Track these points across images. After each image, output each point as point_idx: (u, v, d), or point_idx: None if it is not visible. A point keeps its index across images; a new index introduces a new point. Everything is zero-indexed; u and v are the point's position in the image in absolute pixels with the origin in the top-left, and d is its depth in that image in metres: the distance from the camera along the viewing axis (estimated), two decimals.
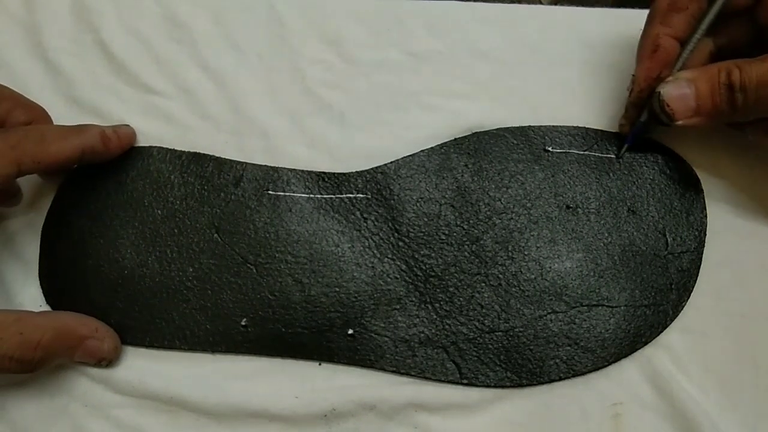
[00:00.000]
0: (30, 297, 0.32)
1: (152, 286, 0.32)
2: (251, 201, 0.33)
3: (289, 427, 0.30)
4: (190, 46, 0.36)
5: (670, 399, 0.30)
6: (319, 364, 0.31)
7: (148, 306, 0.31)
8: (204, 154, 0.34)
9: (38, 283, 0.32)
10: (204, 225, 0.33)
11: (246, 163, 0.34)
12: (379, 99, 0.36)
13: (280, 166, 0.34)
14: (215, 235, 0.32)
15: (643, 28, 0.32)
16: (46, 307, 0.32)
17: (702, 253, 0.32)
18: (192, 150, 0.34)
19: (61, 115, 0.34)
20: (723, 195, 0.33)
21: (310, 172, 0.33)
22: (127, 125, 0.34)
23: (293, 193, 0.33)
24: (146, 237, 0.32)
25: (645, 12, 0.34)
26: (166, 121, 0.35)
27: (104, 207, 0.33)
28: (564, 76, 0.36)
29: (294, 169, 0.33)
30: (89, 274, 0.32)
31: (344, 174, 0.33)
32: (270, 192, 0.33)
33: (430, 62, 0.36)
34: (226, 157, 0.34)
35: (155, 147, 0.34)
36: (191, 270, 0.32)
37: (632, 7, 0.37)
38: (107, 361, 0.30)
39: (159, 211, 0.33)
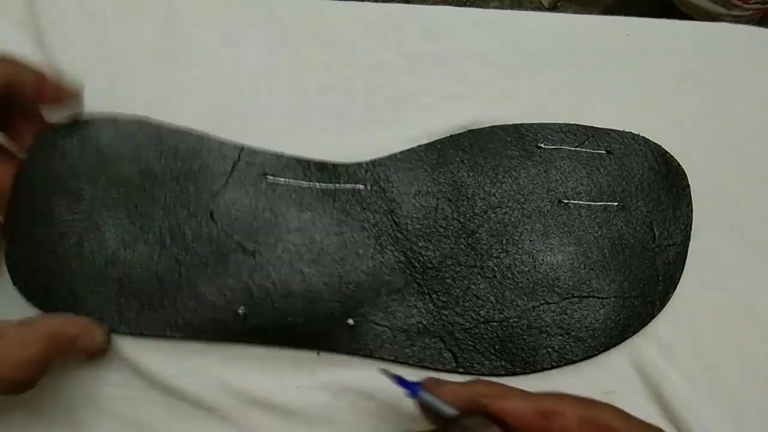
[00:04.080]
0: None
1: (140, 271, 0.30)
2: (249, 186, 0.32)
3: (288, 416, 0.30)
4: (190, 48, 0.36)
5: (657, 387, 0.31)
6: (318, 354, 0.31)
7: (135, 292, 0.30)
8: (198, 133, 0.32)
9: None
10: (198, 208, 0.32)
11: (243, 145, 0.33)
12: (376, 99, 0.36)
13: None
14: (210, 219, 0.32)
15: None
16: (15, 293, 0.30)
17: (688, 246, 0.33)
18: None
19: None
20: (708, 190, 0.35)
21: (309, 161, 0.33)
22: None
23: (293, 179, 0.33)
24: (133, 218, 0.31)
25: (634, 19, 0.35)
26: (166, 117, 0.35)
27: (82, 182, 0.31)
28: (554, 79, 0.37)
29: (293, 157, 0.33)
30: (68, 257, 0.30)
31: (343, 164, 0.33)
32: (269, 178, 0.33)
33: (425, 64, 0.37)
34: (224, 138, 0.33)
35: (144, 119, 0.32)
36: (184, 255, 0.31)
37: (627, 14, 0.38)
38: (101, 353, 0.30)
39: (147, 191, 0.31)
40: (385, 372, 0.27)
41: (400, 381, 0.26)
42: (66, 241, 0.30)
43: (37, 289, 0.30)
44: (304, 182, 0.33)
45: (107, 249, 0.31)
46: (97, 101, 0.35)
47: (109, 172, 0.31)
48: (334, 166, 0.33)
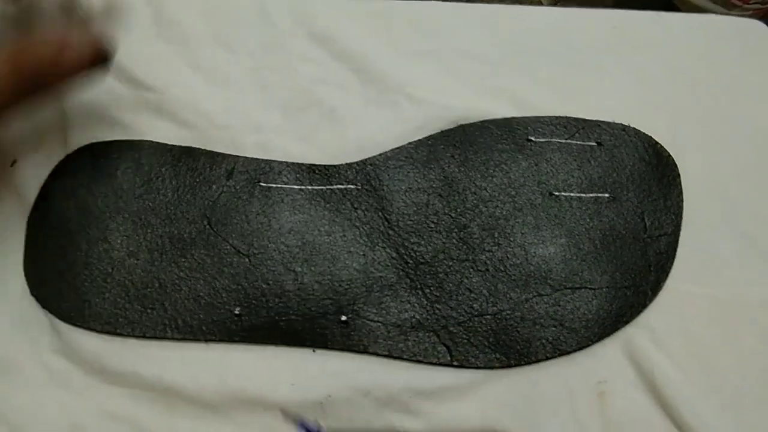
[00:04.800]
0: (14, 287, 0.32)
1: (143, 276, 0.32)
2: (243, 193, 0.33)
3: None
4: (182, 45, 0.37)
5: (650, 377, 0.31)
6: (314, 351, 0.32)
7: (138, 296, 0.32)
8: (196, 148, 0.34)
9: (22, 272, 0.32)
10: (196, 216, 0.33)
11: (238, 156, 0.34)
12: (368, 94, 0.37)
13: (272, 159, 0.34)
14: (207, 226, 0.33)
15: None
16: (31, 298, 0.32)
17: (678, 236, 0.33)
18: (184, 144, 0.34)
19: (57, 109, 0.34)
20: (699, 181, 0.35)
21: (300, 165, 0.34)
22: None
23: (285, 184, 0.34)
24: (137, 228, 0.33)
25: (621, 12, 0.35)
26: (158, 116, 0.35)
27: (94, 198, 0.33)
28: (545, 73, 0.37)
29: (285, 162, 0.34)
30: (77, 264, 0.32)
31: (334, 166, 0.34)
32: (262, 184, 0.34)
33: (416, 60, 0.37)
34: (219, 151, 0.34)
35: (146, 140, 0.34)
36: (183, 260, 0.32)
37: (631, 8, 0.38)
38: (100, 64, 0.28)
39: (149, 203, 0.33)
40: (286, 415, 0.29)
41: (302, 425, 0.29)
42: (76, 251, 0.32)
43: (49, 294, 0.32)
44: (296, 186, 0.34)
45: (113, 257, 0.32)
46: (90, 95, 0.35)
47: (115, 188, 0.33)
48: (326, 168, 0.34)
